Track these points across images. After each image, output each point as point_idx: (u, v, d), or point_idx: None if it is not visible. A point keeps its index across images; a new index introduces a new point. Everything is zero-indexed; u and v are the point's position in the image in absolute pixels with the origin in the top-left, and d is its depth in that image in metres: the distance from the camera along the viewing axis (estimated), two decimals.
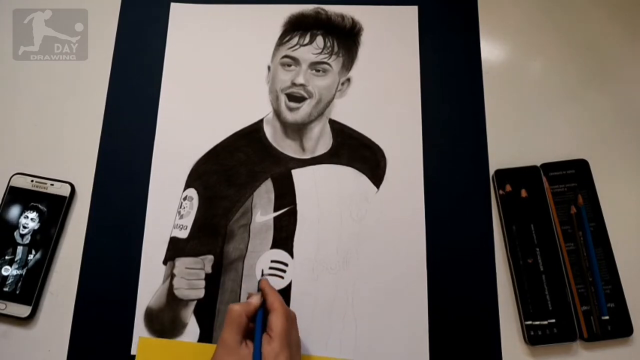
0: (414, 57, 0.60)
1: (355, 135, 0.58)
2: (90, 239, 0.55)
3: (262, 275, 0.53)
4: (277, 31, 0.62)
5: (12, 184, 0.56)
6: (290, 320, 0.47)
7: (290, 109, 0.59)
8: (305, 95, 0.59)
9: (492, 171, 0.57)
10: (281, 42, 0.61)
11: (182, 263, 0.54)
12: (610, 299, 0.52)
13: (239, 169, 0.57)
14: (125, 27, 0.62)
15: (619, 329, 0.51)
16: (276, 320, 0.45)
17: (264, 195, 0.56)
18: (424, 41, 0.61)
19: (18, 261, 0.54)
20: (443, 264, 0.54)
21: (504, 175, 0.56)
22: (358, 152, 0.57)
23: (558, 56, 0.61)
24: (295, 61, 0.60)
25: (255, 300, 0.48)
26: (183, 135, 0.58)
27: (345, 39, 0.61)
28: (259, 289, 0.49)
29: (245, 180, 0.57)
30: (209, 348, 0.51)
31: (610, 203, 0.55)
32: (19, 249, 0.54)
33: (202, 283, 0.54)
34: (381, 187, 0.56)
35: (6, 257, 0.54)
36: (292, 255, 0.54)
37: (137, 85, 0.60)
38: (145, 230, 0.55)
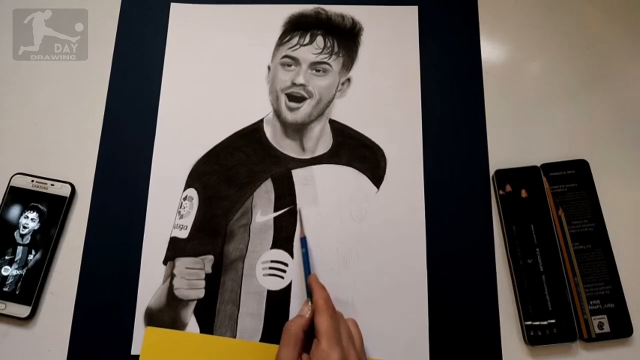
0: (414, 57, 0.60)
1: (355, 135, 0.58)
2: (90, 239, 0.55)
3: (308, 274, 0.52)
4: (277, 31, 0.62)
5: (13, 184, 0.56)
6: (337, 317, 0.46)
7: (291, 109, 0.59)
8: (306, 95, 0.59)
9: (492, 171, 0.57)
10: (281, 42, 0.61)
11: (182, 263, 0.54)
12: (610, 299, 0.52)
13: (239, 169, 0.57)
14: (125, 27, 0.62)
15: (619, 329, 0.51)
16: (320, 320, 0.45)
17: (264, 195, 0.56)
18: (424, 41, 0.61)
19: (18, 261, 0.54)
20: (443, 264, 0.54)
21: (504, 175, 0.56)
22: (358, 152, 0.57)
23: (558, 56, 0.61)
24: (296, 61, 0.60)
25: (308, 311, 0.48)
26: (183, 136, 0.58)
27: (345, 39, 0.61)
28: (307, 287, 0.50)
29: (245, 180, 0.57)
30: (217, 340, 0.51)
31: (610, 203, 0.55)
32: (19, 249, 0.54)
33: (202, 283, 0.54)
34: (381, 187, 0.56)
35: (6, 257, 0.54)
36: (292, 255, 0.54)
37: (137, 85, 0.60)
38: (145, 230, 0.55)
